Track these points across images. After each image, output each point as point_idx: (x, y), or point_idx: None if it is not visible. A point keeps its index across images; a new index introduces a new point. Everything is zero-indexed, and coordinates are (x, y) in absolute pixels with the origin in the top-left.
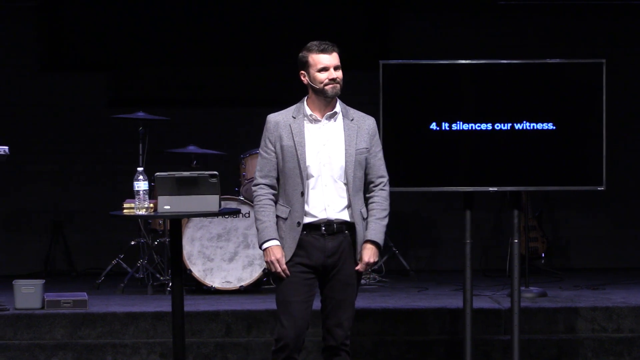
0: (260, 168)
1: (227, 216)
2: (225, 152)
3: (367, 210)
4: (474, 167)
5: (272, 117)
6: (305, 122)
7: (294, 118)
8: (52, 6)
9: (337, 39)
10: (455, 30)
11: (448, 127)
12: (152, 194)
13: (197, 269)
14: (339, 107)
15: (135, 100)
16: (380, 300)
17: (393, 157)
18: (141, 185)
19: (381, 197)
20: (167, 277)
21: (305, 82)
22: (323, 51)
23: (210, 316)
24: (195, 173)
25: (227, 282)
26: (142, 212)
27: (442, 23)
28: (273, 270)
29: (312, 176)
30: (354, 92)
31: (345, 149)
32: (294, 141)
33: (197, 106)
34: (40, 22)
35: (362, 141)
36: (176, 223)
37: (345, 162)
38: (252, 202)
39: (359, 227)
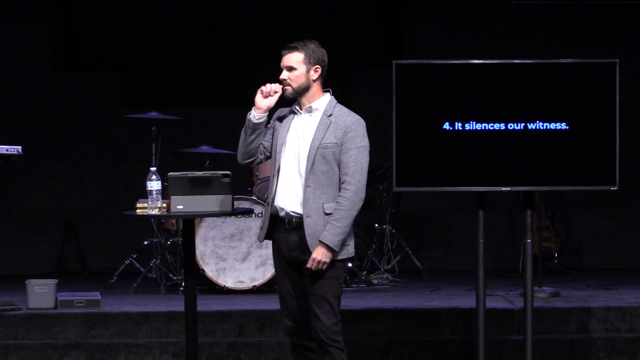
0: None
1: (240, 216)
2: None
3: None
4: (487, 167)
5: (281, 108)
6: (293, 114)
7: (290, 109)
8: (65, 6)
9: (351, 39)
10: (468, 30)
11: (461, 126)
12: (165, 193)
13: (210, 269)
14: (321, 103)
15: (149, 100)
16: (393, 300)
17: (406, 156)
18: (154, 185)
19: (343, 198)
20: (180, 277)
21: None
22: (282, 52)
23: (223, 316)
24: (208, 173)
25: (240, 281)
26: (155, 212)
27: (455, 23)
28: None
29: (282, 165)
30: (368, 92)
31: (311, 143)
32: (281, 127)
33: (210, 106)
34: (54, 23)
35: (332, 136)
36: (189, 223)
37: (307, 155)
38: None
39: (309, 221)
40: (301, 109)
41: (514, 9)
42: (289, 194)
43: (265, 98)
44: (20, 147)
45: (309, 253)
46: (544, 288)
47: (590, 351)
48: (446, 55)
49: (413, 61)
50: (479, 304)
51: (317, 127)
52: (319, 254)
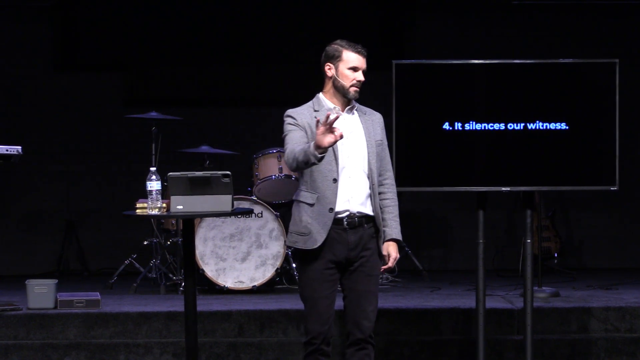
0: (289, 140)
1: (239, 216)
2: (238, 152)
3: (381, 206)
4: (487, 167)
5: (293, 110)
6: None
7: (317, 111)
8: (66, 6)
9: (352, 39)
10: (469, 30)
11: (461, 126)
12: (165, 193)
13: (210, 269)
14: (353, 101)
15: (149, 100)
16: (393, 300)
17: (406, 156)
18: (154, 185)
19: (394, 194)
20: (180, 277)
21: (329, 74)
22: (359, 53)
23: (223, 316)
24: (208, 173)
25: (240, 282)
26: (155, 212)
27: (456, 23)
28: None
29: (340, 167)
30: (368, 92)
31: (367, 140)
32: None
33: (210, 106)
34: (55, 23)
35: (378, 133)
36: (189, 223)
37: (368, 153)
38: (296, 163)
39: (379, 219)
40: (342, 108)
41: (514, 9)
42: (352, 195)
43: (324, 135)
44: (20, 147)
45: (370, 250)
46: (544, 288)
47: (590, 351)
48: (446, 55)
49: (413, 61)
50: (479, 304)
51: (364, 125)
52: (396, 251)
